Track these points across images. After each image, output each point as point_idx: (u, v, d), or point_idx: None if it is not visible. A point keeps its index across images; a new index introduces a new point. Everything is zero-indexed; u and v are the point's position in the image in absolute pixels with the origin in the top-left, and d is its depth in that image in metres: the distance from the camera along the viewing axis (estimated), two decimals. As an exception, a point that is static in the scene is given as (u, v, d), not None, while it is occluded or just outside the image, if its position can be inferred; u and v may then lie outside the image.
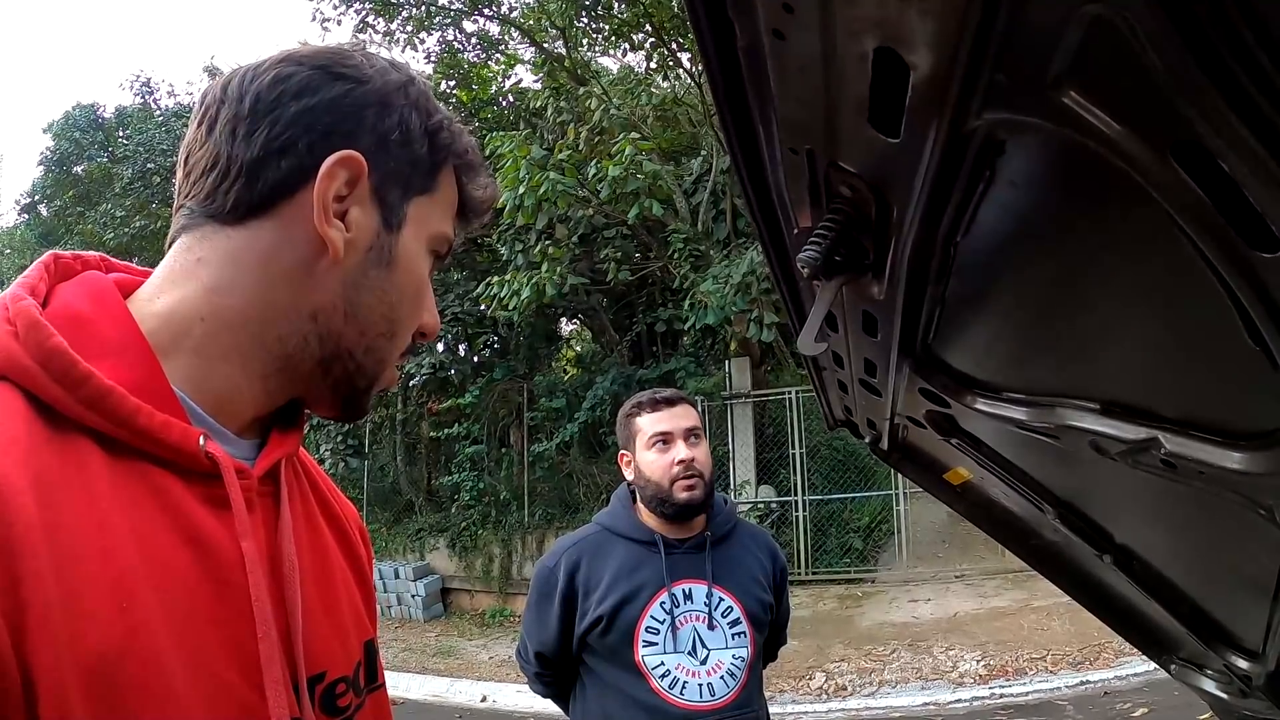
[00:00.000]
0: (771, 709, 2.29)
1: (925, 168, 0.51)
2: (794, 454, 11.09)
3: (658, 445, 2.23)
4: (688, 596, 2.18)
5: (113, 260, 0.85)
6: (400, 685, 9.46)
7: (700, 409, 11.11)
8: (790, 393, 11.13)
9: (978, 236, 0.62)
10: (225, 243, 0.79)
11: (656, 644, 2.14)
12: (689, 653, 2.14)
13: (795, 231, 0.74)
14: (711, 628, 2.17)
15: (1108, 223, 0.50)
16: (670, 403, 2.26)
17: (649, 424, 2.25)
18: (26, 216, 23.82)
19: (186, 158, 0.81)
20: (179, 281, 0.78)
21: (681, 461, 2.19)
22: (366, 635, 0.93)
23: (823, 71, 0.47)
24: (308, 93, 0.79)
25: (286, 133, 0.77)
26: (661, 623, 2.15)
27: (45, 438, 0.65)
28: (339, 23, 14.24)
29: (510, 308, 10.95)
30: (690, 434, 2.23)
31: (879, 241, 0.68)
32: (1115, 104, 0.38)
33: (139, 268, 0.85)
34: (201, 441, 0.73)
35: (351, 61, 0.82)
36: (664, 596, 2.16)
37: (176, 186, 0.83)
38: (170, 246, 0.81)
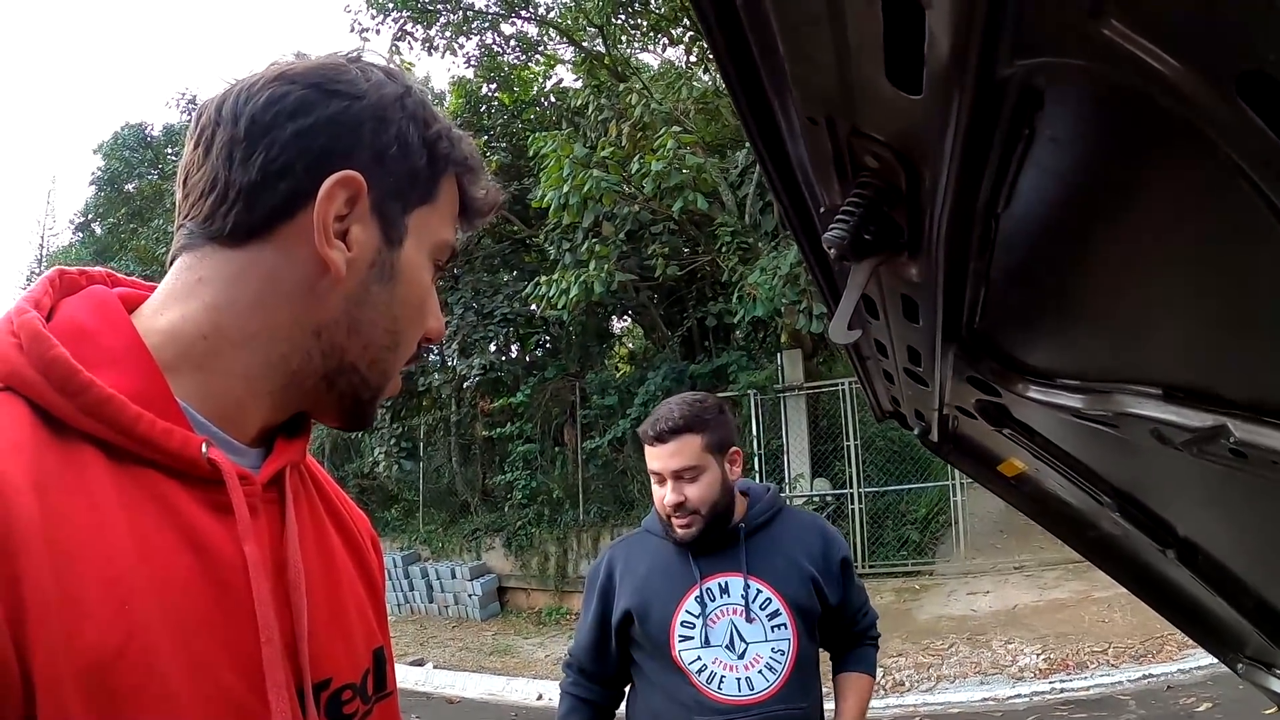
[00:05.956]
0: (828, 705, 2.23)
1: (954, 128, 0.46)
2: (848, 446, 10.96)
3: (655, 478, 2.20)
4: (724, 590, 2.15)
5: (119, 275, 0.87)
6: (457, 684, 9.57)
7: (753, 403, 11.18)
8: (843, 384, 10.98)
9: (1020, 205, 0.56)
10: (226, 263, 0.79)
11: (692, 639, 2.12)
12: (726, 647, 2.10)
13: (822, 210, 0.69)
14: (750, 620, 2.13)
15: (1166, 180, 0.44)
16: (661, 439, 2.16)
17: (647, 455, 2.21)
18: (81, 235, 24.65)
19: (185, 179, 0.82)
20: (181, 299, 0.79)
21: (669, 505, 2.15)
22: (376, 643, 0.93)
23: (830, 20, 0.42)
24: (303, 112, 0.78)
25: (284, 155, 0.77)
26: (697, 617, 2.12)
27: (48, 444, 0.66)
28: (377, 32, 14.37)
29: (559, 306, 10.99)
30: (680, 474, 2.14)
31: (913, 217, 0.63)
32: (1165, 30, 0.32)
33: (145, 283, 0.86)
34: (204, 448, 0.73)
35: (346, 76, 0.82)
36: (697, 592, 2.14)
37: (176, 205, 0.83)
38: (171, 263, 0.82)
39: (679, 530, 2.16)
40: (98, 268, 0.86)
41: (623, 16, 13.63)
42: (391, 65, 0.88)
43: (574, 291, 10.67)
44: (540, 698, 8.64)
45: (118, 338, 0.74)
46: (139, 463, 0.70)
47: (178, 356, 0.76)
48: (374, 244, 0.82)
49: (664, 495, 2.16)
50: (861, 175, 0.60)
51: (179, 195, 0.82)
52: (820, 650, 2.27)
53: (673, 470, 2.14)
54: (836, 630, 2.31)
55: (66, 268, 0.82)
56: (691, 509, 2.13)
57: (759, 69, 0.55)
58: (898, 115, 0.49)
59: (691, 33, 12.59)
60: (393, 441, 15.40)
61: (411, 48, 14.38)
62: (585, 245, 11.17)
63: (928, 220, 0.61)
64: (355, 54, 0.86)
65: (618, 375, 14.98)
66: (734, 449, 2.23)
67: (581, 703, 2.29)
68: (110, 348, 0.73)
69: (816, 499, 11.22)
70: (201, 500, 0.73)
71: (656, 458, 2.17)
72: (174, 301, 0.79)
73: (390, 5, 14.09)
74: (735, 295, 10.59)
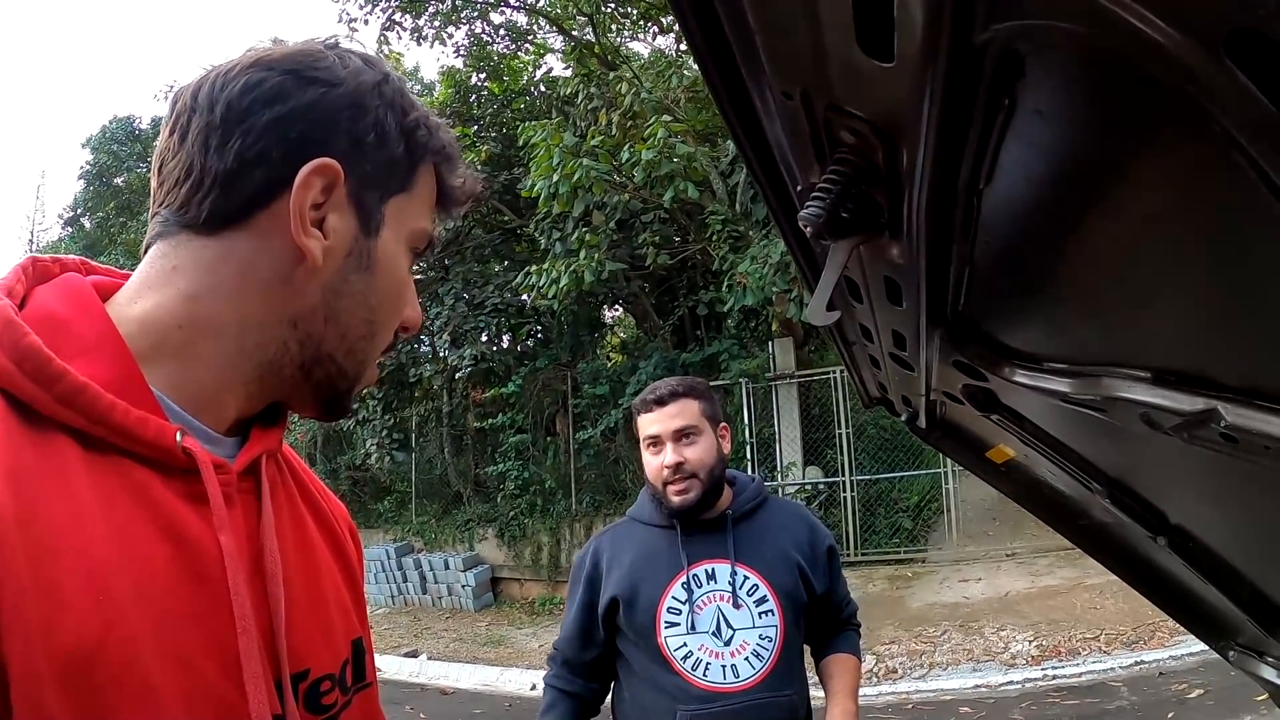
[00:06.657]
0: (819, 693, 2.22)
1: (930, 99, 0.43)
2: (840, 434, 10.97)
3: (650, 447, 2.20)
4: (710, 577, 2.15)
5: (93, 264, 0.86)
6: (451, 675, 9.58)
7: (744, 391, 11.18)
8: (834, 372, 10.97)
9: (1003, 182, 0.54)
10: (201, 252, 0.78)
11: (679, 625, 2.11)
12: (712, 633, 2.10)
13: (799, 189, 0.67)
14: (737, 607, 2.12)
15: (1155, 153, 0.42)
16: (661, 402, 2.19)
17: (643, 425, 2.22)
18: (70, 230, 24.57)
19: (160, 166, 0.81)
20: (156, 287, 0.78)
21: (668, 466, 2.15)
22: (355, 634, 0.93)
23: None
24: (280, 100, 0.78)
25: (260, 143, 0.77)
26: (683, 603, 2.12)
27: (22, 434, 0.66)
28: (365, 22, 14.26)
29: (550, 296, 10.97)
30: (682, 434, 2.16)
31: (893, 195, 0.61)
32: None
33: (120, 271, 0.85)
34: (178, 437, 0.72)
35: (324, 63, 0.81)
36: (684, 578, 2.14)
37: (151, 192, 0.82)
38: (145, 251, 0.81)
39: (676, 498, 2.15)
40: (72, 256, 0.85)
41: (612, 5, 13.58)
42: (369, 52, 0.87)
43: (564, 281, 10.64)
44: (534, 688, 8.63)
45: (91, 326, 0.74)
46: (114, 452, 0.70)
47: (152, 345, 0.76)
48: (351, 232, 0.81)
49: (662, 459, 2.15)
50: (838, 152, 0.57)
51: (154, 183, 0.82)
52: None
53: (674, 430, 2.15)
54: (821, 620, 2.31)
55: (40, 256, 0.81)
56: (690, 471, 2.14)
57: (731, 44, 0.53)
58: (873, 87, 0.47)
59: (681, 20, 12.53)
60: (385, 433, 15.41)
61: (400, 37, 14.33)
62: (575, 234, 11.14)
63: (907, 198, 0.59)
64: (333, 40, 0.86)
65: (609, 365, 14.97)
66: (723, 425, 2.26)
67: (564, 695, 2.29)
68: (84, 336, 0.73)
69: (809, 487, 11.24)
70: (178, 490, 0.73)
71: (657, 421, 2.18)
72: (148, 290, 0.78)
73: (378, -6, 13.99)
74: (726, 284, 10.57)
